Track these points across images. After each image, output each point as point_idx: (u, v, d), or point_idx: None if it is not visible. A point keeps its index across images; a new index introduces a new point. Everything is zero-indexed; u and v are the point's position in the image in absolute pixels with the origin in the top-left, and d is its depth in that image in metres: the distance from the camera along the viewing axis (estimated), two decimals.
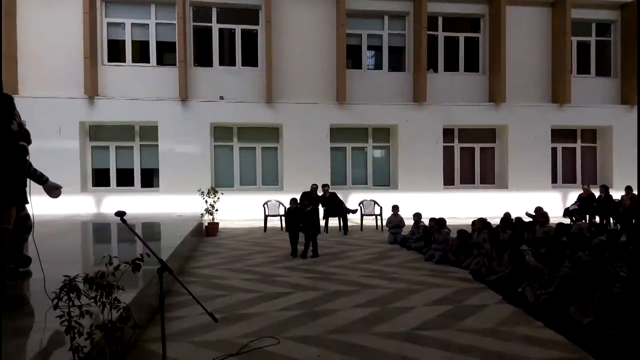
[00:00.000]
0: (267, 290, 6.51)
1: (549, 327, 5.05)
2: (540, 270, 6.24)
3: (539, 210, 10.13)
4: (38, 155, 13.58)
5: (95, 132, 14.80)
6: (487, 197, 15.43)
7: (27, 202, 4.79)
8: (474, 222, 9.04)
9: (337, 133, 15.53)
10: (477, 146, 16.39)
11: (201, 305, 3.10)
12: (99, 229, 11.17)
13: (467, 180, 16.37)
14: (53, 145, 13.82)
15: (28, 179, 4.93)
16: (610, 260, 6.03)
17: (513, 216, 10.76)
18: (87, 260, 7.64)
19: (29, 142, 4.87)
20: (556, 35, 15.83)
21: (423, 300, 6.10)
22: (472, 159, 16.41)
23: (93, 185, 14.76)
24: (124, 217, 3.11)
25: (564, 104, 15.73)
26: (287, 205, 10.37)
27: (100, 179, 14.89)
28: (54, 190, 5.62)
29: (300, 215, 9.18)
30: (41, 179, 5.65)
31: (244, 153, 15.42)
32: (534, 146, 15.73)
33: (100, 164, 14.86)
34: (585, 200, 13.08)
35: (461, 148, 16.32)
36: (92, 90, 13.99)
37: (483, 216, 9.94)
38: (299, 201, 12.53)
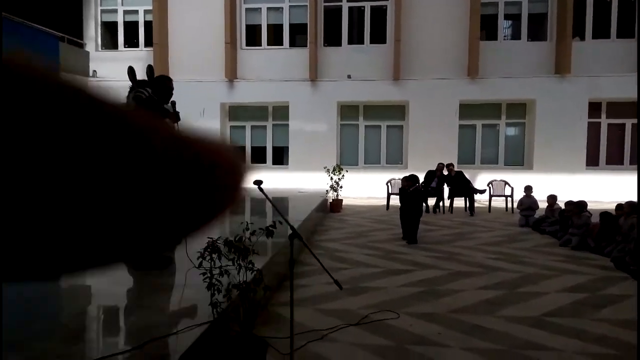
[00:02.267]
0: (388, 267, 6.61)
1: None
2: None
3: None
4: None
5: (234, 113, 15.98)
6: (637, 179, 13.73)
7: None
8: (620, 205, 8.15)
9: (467, 109, 14.90)
10: (628, 122, 14.61)
11: (328, 273, 3.28)
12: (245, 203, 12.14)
13: (615, 160, 14.71)
14: (198, 125, 15.19)
15: None
16: None
17: None
18: (225, 226, 8.40)
19: (178, 121, 5.46)
20: None
21: (555, 286, 5.73)
22: (621, 136, 14.68)
23: None
24: (261, 186, 3.37)
25: None
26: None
27: None
28: None
29: (403, 196, 8.51)
30: None
31: (370, 131, 15.54)
32: None
33: (237, 142, 16.00)
34: None
35: (609, 124, 14.68)
36: (231, 74, 15.10)
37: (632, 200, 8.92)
38: (423, 180, 12.42)
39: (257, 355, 3.33)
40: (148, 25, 15.64)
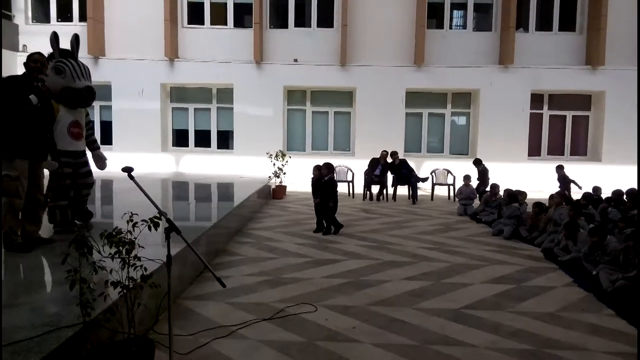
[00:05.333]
0: (318, 257, 6.38)
1: (621, 316, 4.46)
2: (621, 252, 5.52)
3: (630, 191, 9.00)
4: (122, 114, 14.60)
5: (176, 94, 15.31)
6: (577, 169, 14.05)
7: (45, 159, 4.92)
8: (552, 195, 8.23)
9: (414, 98, 14.83)
10: (569, 114, 14.95)
11: (210, 270, 2.98)
12: (175, 187, 11.61)
13: (556, 151, 15.06)
14: (136, 106, 14.56)
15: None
16: None
17: (606, 191, 9.72)
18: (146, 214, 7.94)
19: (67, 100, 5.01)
20: None
21: (481, 277, 5.65)
22: (562, 127, 15.02)
23: (173, 145, 15.39)
24: (132, 174, 3.01)
25: None
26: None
27: (179, 139, 15.49)
28: (100, 160, 5.91)
29: (317, 185, 7.97)
30: (93, 144, 5.93)
31: (317, 117, 15.26)
32: (633, 115, 14.01)
33: (180, 124, 15.41)
34: None
35: (550, 115, 14.97)
36: (172, 53, 14.41)
37: (574, 190, 9.08)
38: (367, 167, 12.29)
39: (140, 358, 3.00)
40: None
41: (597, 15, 13.80)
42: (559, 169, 12.23)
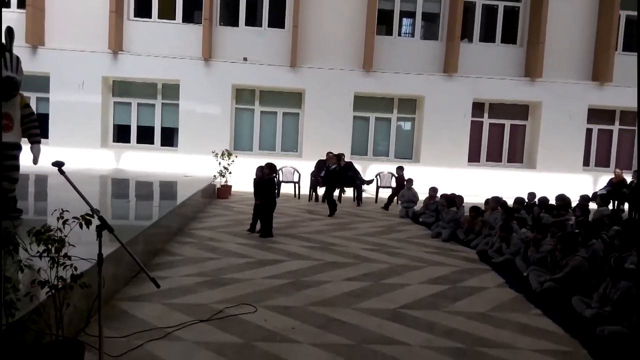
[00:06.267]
0: (259, 257, 6.35)
1: (548, 316, 4.73)
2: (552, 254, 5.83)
3: (559, 197, 9.54)
4: (60, 107, 13.95)
5: (119, 88, 14.79)
6: (513, 176, 14.82)
7: None
8: (487, 200, 8.60)
9: (362, 102, 15.05)
10: (507, 122, 15.64)
11: (143, 270, 2.91)
12: (114, 184, 11.21)
13: (494, 157, 15.72)
14: (76, 99, 13.95)
15: None
16: (622, 249, 5.57)
17: (539, 196, 10.24)
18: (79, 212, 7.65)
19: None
20: (603, 8, 14.71)
21: (419, 278, 5.82)
22: (501, 135, 15.69)
23: (114, 141, 14.86)
24: (62, 168, 2.90)
25: (605, 82, 14.74)
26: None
27: (121, 135, 14.97)
28: (35, 151, 5.69)
29: (258, 186, 7.88)
30: (33, 138, 5.68)
31: (265, 117, 15.18)
32: (568, 126, 14.89)
33: (122, 120, 14.90)
34: (616, 185, 12.32)
35: (490, 124, 15.62)
36: (116, 45, 13.91)
37: (510, 196, 9.50)
38: (314, 169, 12.36)
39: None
40: None
41: (537, 29, 14.52)
42: (399, 170, 12.21)
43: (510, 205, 8.65)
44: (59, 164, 2.94)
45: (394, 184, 12.06)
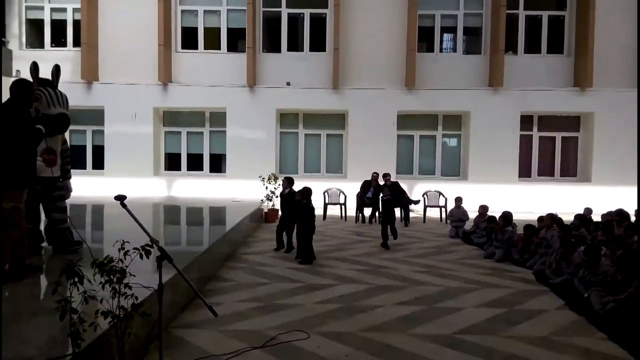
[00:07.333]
0: (310, 281, 6.35)
1: (612, 339, 4.46)
2: (613, 274, 5.54)
3: (619, 211, 9.04)
4: (115, 139, 14.63)
5: (169, 118, 15.38)
6: (567, 190, 14.27)
7: (33, 184, 4.98)
8: (541, 217, 8.29)
9: (405, 120, 14.99)
10: (558, 135, 15.15)
11: (201, 299, 2.97)
12: (166, 211, 11.57)
13: (546, 172, 15.21)
14: (129, 130, 14.60)
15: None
16: None
17: (596, 212, 9.80)
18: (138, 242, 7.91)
19: (45, 127, 5.06)
20: None
21: (474, 301, 5.64)
22: (552, 149, 15.20)
23: (165, 169, 15.39)
24: (124, 202, 3.02)
25: None
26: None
27: (172, 163, 15.50)
28: (66, 190, 5.99)
29: (292, 204, 7.69)
30: (66, 174, 5.99)
31: (309, 140, 15.36)
32: (622, 135, 14.24)
33: (172, 148, 15.45)
34: None
35: (540, 137, 15.17)
36: (165, 77, 14.52)
37: (564, 211, 9.15)
38: (359, 190, 12.31)
39: None
40: (77, 24, 14.82)
41: (584, 38, 14.10)
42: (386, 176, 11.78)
43: (567, 222, 8.29)
44: (121, 198, 3.07)
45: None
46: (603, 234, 8.10)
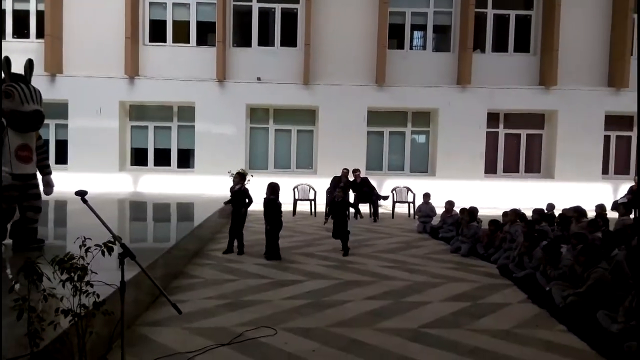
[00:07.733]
0: (278, 277, 6.34)
1: (572, 331, 4.61)
2: (572, 268, 5.72)
3: (576, 208, 9.30)
4: (79, 133, 14.23)
5: (135, 112, 15.07)
6: (531, 186, 14.65)
7: None
8: (505, 212, 8.49)
9: (375, 116, 15.09)
10: (523, 132, 15.52)
11: (165, 296, 2.93)
12: (132, 207, 11.35)
13: (511, 168, 15.57)
14: (94, 124, 14.23)
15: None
16: None
17: (558, 208, 10.08)
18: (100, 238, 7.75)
19: (20, 124, 4.91)
20: (616, 12, 14.61)
21: (440, 295, 5.75)
22: (517, 146, 15.57)
23: (131, 165, 15.08)
24: (85, 197, 2.95)
25: (621, 88, 14.56)
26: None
27: (138, 158, 15.20)
28: (48, 186, 5.83)
29: (242, 202, 7.63)
30: (46, 169, 5.82)
31: (280, 135, 15.30)
32: (585, 134, 14.71)
33: (139, 143, 15.14)
34: (636, 193, 12.07)
35: (506, 134, 15.51)
36: (132, 70, 14.21)
37: (528, 207, 9.37)
38: (329, 186, 12.34)
39: None
40: (40, 15, 14.33)
41: (550, 37, 14.45)
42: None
43: (529, 217, 8.51)
44: (82, 194, 2.99)
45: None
46: (560, 230, 8.35)
